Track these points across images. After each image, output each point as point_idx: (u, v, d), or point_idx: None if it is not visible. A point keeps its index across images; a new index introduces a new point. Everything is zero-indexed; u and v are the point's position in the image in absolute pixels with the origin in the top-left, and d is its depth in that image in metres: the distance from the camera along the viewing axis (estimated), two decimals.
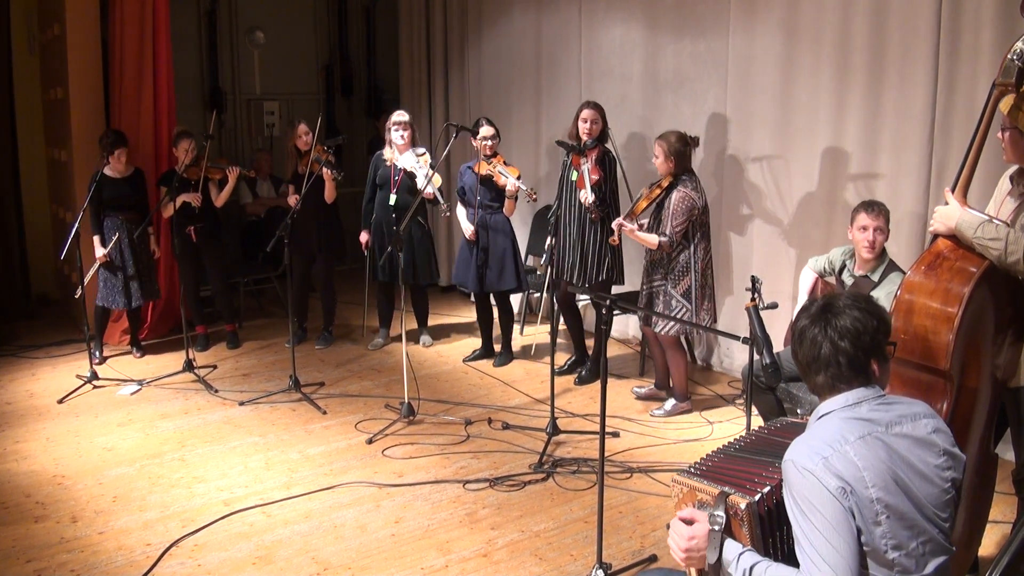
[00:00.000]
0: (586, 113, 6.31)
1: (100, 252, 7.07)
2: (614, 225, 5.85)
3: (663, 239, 5.75)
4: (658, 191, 5.84)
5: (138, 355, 7.58)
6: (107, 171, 7.12)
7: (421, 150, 7.25)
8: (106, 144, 7.09)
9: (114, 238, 7.12)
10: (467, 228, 7.02)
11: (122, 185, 7.12)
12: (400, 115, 7.22)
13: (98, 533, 4.66)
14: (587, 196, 6.20)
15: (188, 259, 7.55)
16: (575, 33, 7.87)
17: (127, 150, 7.18)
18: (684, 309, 5.85)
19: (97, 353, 7.44)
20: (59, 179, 8.41)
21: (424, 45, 9.68)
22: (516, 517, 4.76)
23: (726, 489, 2.45)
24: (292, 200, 7.42)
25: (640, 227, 5.85)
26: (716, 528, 2.43)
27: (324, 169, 7.16)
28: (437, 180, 6.90)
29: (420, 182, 6.88)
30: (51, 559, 4.42)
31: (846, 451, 2.28)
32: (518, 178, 6.72)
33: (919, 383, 3.38)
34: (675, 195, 5.77)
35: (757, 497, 2.40)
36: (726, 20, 6.55)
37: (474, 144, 6.96)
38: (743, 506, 2.39)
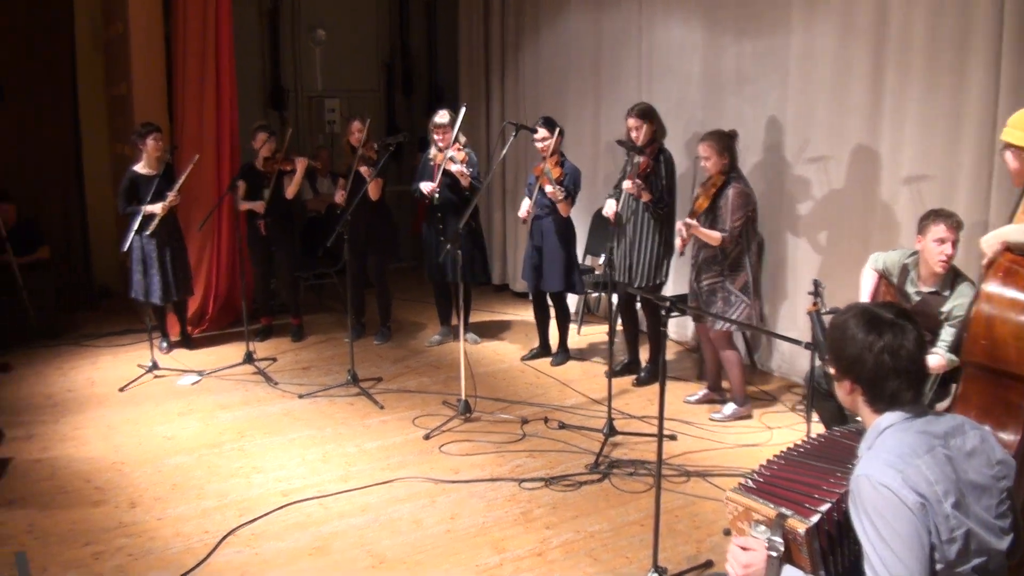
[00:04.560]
0: (629, 122, 6.31)
1: (158, 205, 6.98)
2: (681, 225, 5.77)
3: (723, 234, 5.70)
4: (713, 189, 5.79)
5: (187, 348, 7.68)
6: (139, 168, 7.15)
7: (462, 140, 7.30)
8: (141, 134, 7.08)
9: (147, 234, 7.08)
10: (522, 210, 7.02)
11: (157, 182, 7.08)
12: (439, 117, 7.24)
13: (156, 519, 4.72)
14: (631, 185, 6.17)
15: (258, 251, 7.66)
16: (635, 33, 7.81)
17: (161, 134, 7.21)
18: (744, 304, 5.80)
19: (164, 343, 7.55)
20: (123, 173, 8.51)
21: (483, 43, 9.68)
22: (571, 517, 4.73)
23: (784, 511, 2.38)
24: (339, 197, 7.49)
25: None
26: (774, 555, 2.37)
27: (362, 167, 7.28)
28: (461, 156, 7.09)
29: (453, 168, 7.03)
30: (109, 543, 4.49)
31: (918, 465, 2.23)
32: (558, 179, 6.70)
33: (996, 392, 3.30)
34: (731, 191, 5.73)
35: (816, 519, 2.33)
36: (787, 19, 6.46)
37: None
38: (802, 531, 2.32)
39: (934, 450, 2.28)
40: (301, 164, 7.53)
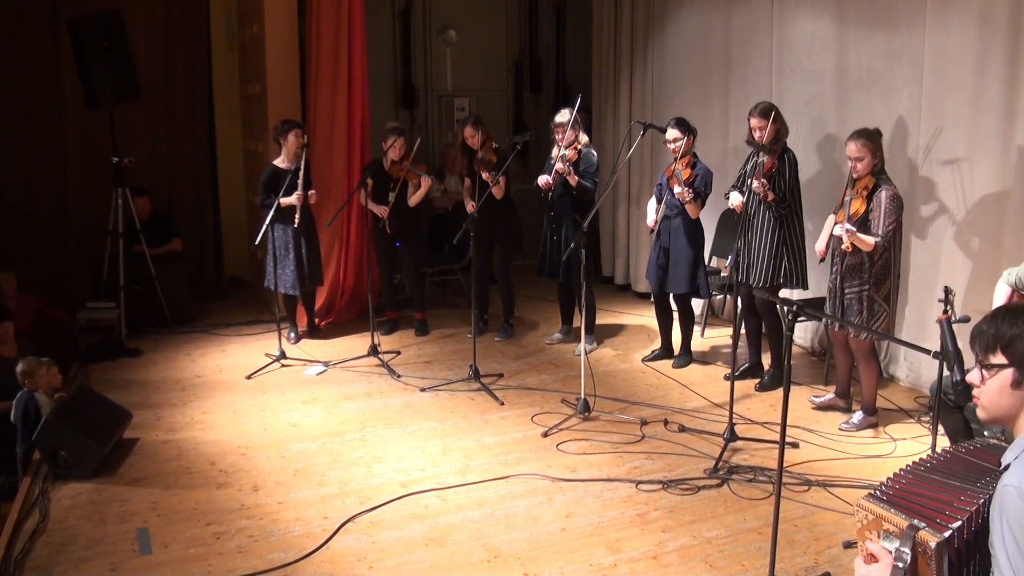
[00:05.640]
0: (752, 122, 6.21)
1: (292, 197, 7.18)
2: (842, 232, 5.48)
3: (878, 240, 5.51)
4: (865, 192, 5.60)
5: (315, 339, 7.84)
6: (278, 163, 7.38)
7: (584, 139, 7.28)
8: (282, 129, 7.34)
9: (286, 226, 7.32)
10: (649, 218, 7.00)
11: (292, 176, 7.26)
12: (559, 116, 7.23)
13: (278, 503, 4.85)
14: (758, 185, 6.07)
15: (383, 248, 7.82)
16: (765, 28, 7.65)
17: (302, 130, 7.42)
18: (885, 313, 5.63)
19: (292, 334, 7.75)
20: (255, 169, 8.78)
21: (612, 40, 9.63)
22: (688, 522, 4.67)
23: (916, 523, 2.27)
24: (469, 207, 7.48)
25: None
26: (900, 566, 2.28)
27: (482, 171, 7.36)
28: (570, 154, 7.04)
29: (558, 166, 7.02)
30: (231, 524, 4.63)
31: None
32: (687, 180, 6.63)
33: None
34: (884, 194, 5.51)
35: (948, 534, 2.24)
36: (922, 13, 6.22)
37: None
38: (933, 545, 2.21)
39: None
40: (426, 184, 7.69)
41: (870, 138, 5.56)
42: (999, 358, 2.30)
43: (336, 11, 8.01)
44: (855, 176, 5.64)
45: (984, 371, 2.34)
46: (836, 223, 5.58)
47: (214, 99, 9.61)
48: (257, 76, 8.51)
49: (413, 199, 7.74)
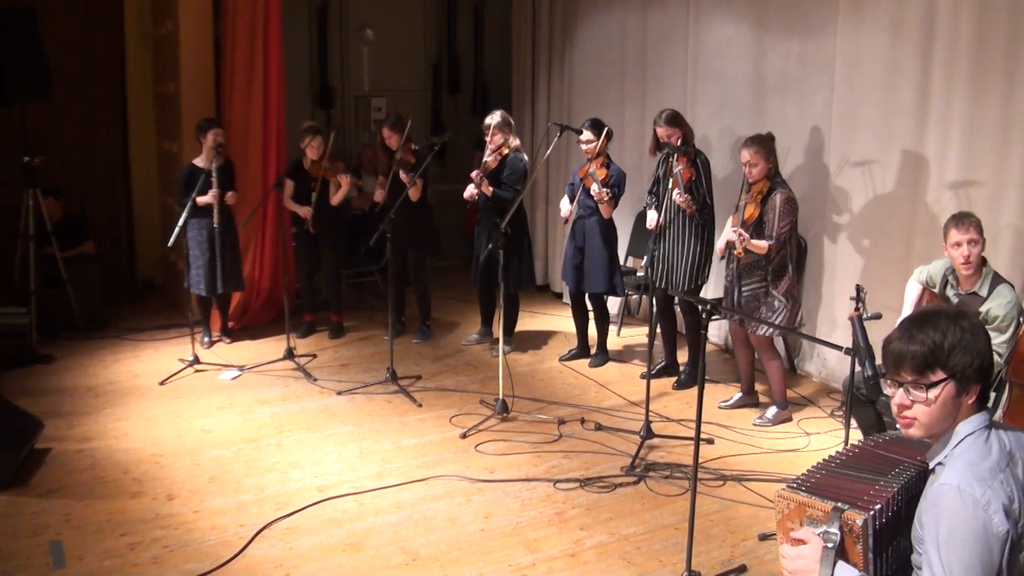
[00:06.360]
0: (659, 131, 6.29)
1: (208, 195, 7.10)
2: (734, 235, 5.61)
3: (771, 242, 5.64)
4: (760, 196, 5.72)
5: (227, 342, 7.75)
6: (197, 161, 7.26)
7: (515, 142, 7.24)
8: (202, 128, 7.23)
9: (204, 227, 7.23)
10: (564, 209, 7.00)
11: (217, 175, 7.16)
12: (488, 117, 7.19)
13: (193, 512, 4.77)
14: (679, 195, 6.14)
15: (305, 249, 7.74)
16: (682, 32, 7.75)
17: (222, 130, 7.32)
18: (785, 308, 5.76)
19: (206, 338, 7.63)
20: (169, 170, 8.63)
21: (531, 42, 9.67)
22: (605, 519, 4.71)
23: (840, 505, 2.32)
24: (378, 195, 7.57)
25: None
26: (830, 546, 2.31)
27: (400, 171, 7.34)
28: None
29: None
30: (145, 534, 4.54)
31: (1008, 481, 2.18)
32: (603, 181, 6.67)
33: None
34: (778, 197, 5.66)
35: (873, 512, 2.28)
36: (834, 20, 6.38)
37: None
38: (860, 522, 2.26)
39: (1011, 463, 2.23)
40: (346, 183, 7.62)
41: (763, 144, 5.71)
42: (938, 375, 2.26)
43: (252, 8, 7.89)
44: (750, 181, 5.77)
45: (917, 391, 2.28)
46: (732, 228, 5.70)
47: (128, 98, 9.40)
48: (171, 74, 8.34)
49: (335, 198, 7.66)
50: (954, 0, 5.53)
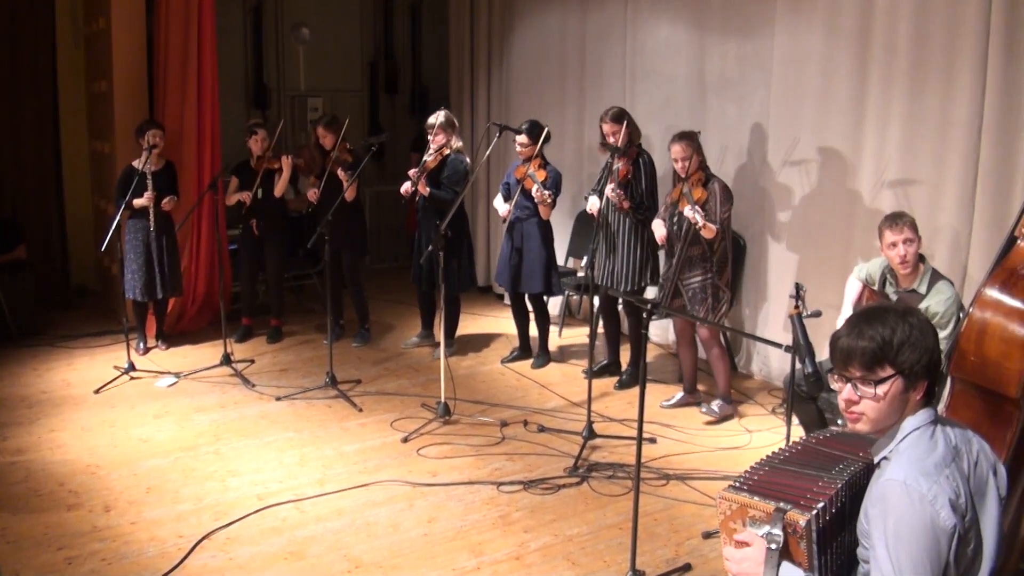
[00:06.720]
0: (604, 127, 6.30)
1: (143, 197, 7.00)
2: (695, 217, 5.61)
3: (716, 226, 5.71)
4: (700, 183, 5.80)
5: (163, 348, 7.61)
6: (137, 163, 7.12)
7: (457, 143, 7.18)
8: (142, 129, 7.11)
9: (141, 230, 7.12)
10: (502, 209, 6.94)
11: (155, 178, 7.06)
12: (432, 117, 7.12)
13: (130, 523, 4.67)
14: (612, 190, 6.17)
15: (248, 251, 7.66)
16: (620, 32, 7.77)
17: (162, 132, 7.19)
18: (728, 298, 5.89)
19: (141, 345, 7.49)
20: (102, 171, 8.46)
21: (469, 42, 9.64)
22: (549, 521, 4.70)
23: (783, 505, 2.32)
24: (311, 195, 7.49)
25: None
26: (773, 547, 2.31)
27: (338, 170, 7.28)
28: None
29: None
30: (82, 547, 4.43)
31: (954, 476, 2.20)
32: (543, 182, 6.65)
33: (984, 409, 3.26)
34: (716, 185, 5.80)
35: (816, 512, 2.29)
36: (772, 21, 6.43)
37: None
38: (803, 523, 2.27)
39: (956, 459, 2.25)
40: (287, 163, 7.50)
41: (691, 139, 5.82)
42: (887, 371, 2.27)
43: (185, 5, 7.75)
44: (683, 175, 5.84)
45: (865, 386, 2.29)
46: (681, 209, 5.76)
47: (59, 97, 9.16)
48: (104, 73, 8.14)
49: (278, 188, 7.56)
50: (891, 1, 5.60)
